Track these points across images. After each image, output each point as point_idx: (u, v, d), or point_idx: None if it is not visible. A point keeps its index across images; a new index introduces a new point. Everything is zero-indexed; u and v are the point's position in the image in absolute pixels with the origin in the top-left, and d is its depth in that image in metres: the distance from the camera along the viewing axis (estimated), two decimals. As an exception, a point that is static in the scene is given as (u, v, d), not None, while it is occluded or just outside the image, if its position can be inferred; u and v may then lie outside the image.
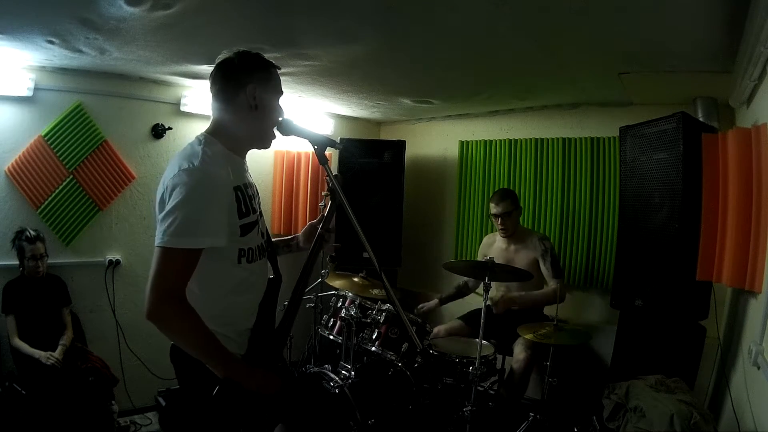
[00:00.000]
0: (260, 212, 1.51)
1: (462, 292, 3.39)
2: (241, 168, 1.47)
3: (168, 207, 1.25)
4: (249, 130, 1.45)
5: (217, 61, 1.47)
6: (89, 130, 3.10)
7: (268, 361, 1.45)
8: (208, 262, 1.29)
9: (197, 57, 2.74)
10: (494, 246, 3.26)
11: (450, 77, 3.05)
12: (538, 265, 3.05)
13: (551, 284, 3.02)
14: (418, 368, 2.64)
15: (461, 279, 3.41)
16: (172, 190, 1.25)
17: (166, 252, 1.23)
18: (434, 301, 3.31)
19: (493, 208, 3.10)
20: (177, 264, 1.24)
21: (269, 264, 1.55)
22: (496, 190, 3.27)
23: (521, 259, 3.08)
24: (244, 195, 1.41)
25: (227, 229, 1.32)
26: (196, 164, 1.28)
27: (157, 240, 1.24)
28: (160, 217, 1.27)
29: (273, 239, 1.69)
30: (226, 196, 1.33)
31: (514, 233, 3.14)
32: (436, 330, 3.11)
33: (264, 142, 1.50)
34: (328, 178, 1.52)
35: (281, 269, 1.57)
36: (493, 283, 2.67)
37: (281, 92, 1.50)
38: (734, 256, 2.11)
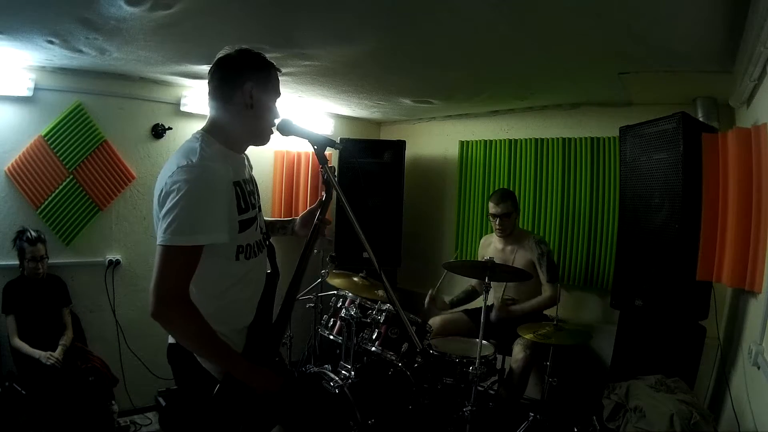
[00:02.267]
0: (259, 207, 1.51)
1: (471, 296, 3.39)
2: (240, 164, 1.47)
3: (168, 205, 1.24)
4: (244, 129, 1.45)
5: (218, 56, 1.45)
6: (89, 130, 3.10)
7: (266, 359, 1.45)
8: (205, 259, 1.28)
9: (197, 57, 2.74)
10: (491, 247, 3.26)
11: (450, 77, 3.05)
12: (534, 267, 3.06)
13: (546, 288, 3.03)
14: (418, 368, 2.64)
15: (468, 282, 3.41)
16: (171, 188, 1.24)
17: (168, 250, 1.22)
18: (446, 302, 3.30)
19: (493, 208, 3.10)
20: (179, 262, 1.23)
21: (267, 259, 1.55)
22: (496, 189, 3.26)
23: (518, 260, 3.08)
24: (243, 191, 1.40)
25: (228, 225, 1.32)
26: (194, 161, 1.27)
27: (159, 239, 1.24)
28: (161, 215, 1.26)
29: (269, 219, 1.68)
30: (226, 192, 1.33)
31: (510, 234, 3.14)
32: (431, 320, 3.11)
33: (260, 141, 1.49)
34: (322, 170, 1.51)
35: (278, 265, 1.57)
36: (492, 284, 2.67)
37: (279, 93, 1.49)
38: (734, 256, 2.11)
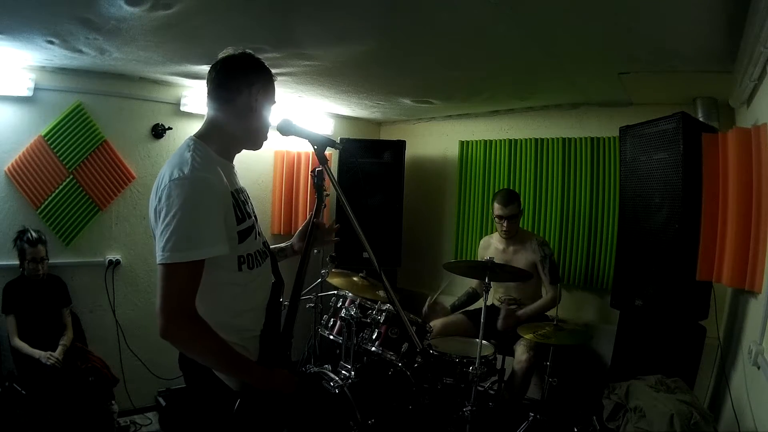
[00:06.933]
0: (255, 216, 1.48)
1: (472, 298, 3.37)
2: (232, 173, 1.44)
3: (164, 222, 1.20)
4: (244, 131, 1.42)
5: (221, 57, 1.43)
6: (89, 130, 3.10)
7: (280, 365, 1.43)
8: (208, 272, 1.25)
9: (197, 57, 2.74)
10: (491, 248, 3.25)
11: (450, 77, 3.05)
12: (535, 267, 3.05)
13: (548, 290, 3.04)
14: (418, 368, 2.64)
15: (469, 284, 3.41)
16: (164, 202, 1.21)
17: (169, 268, 1.19)
18: (446, 308, 3.28)
19: (500, 210, 3.07)
20: (182, 279, 1.20)
21: (270, 268, 1.53)
22: (500, 190, 3.23)
23: (519, 260, 3.08)
24: (238, 200, 1.37)
25: (226, 236, 1.28)
26: (186, 172, 1.23)
27: (158, 257, 1.20)
28: (158, 232, 1.23)
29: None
30: (222, 202, 1.29)
31: (515, 235, 3.14)
32: (432, 323, 3.10)
33: (257, 144, 1.47)
34: (312, 173, 1.49)
35: (282, 272, 1.56)
36: (493, 284, 2.67)
37: (275, 101, 1.48)
38: (734, 256, 2.11)
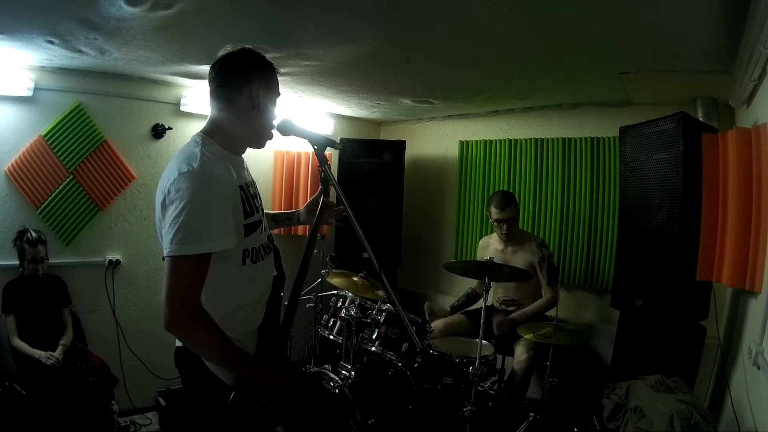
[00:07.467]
0: (262, 210, 1.50)
1: (472, 299, 3.37)
2: (241, 167, 1.45)
3: (172, 215, 1.21)
4: (247, 129, 1.43)
5: (220, 55, 1.42)
6: (89, 130, 3.10)
7: (277, 360, 1.44)
8: (212, 265, 1.26)
9: (197, 57, 2.74)
10: (490, 248, 3.25)
11: (450, 77, 3.05)
12: (534, 268, 3.05)
13: (546, 291, 3.03)
14: (418, 368, 2.64)
15: (468, 285, 3.41)
16: (174, 196, 1.21)
17: (176, 261, 1.20)
18: (446, 310, 3.29)
19: (498, 214, 3.05)
20: (188, 272, 1.21)
21: (273, 262, 1.53)
22: (496, 193, 3.19)
23: (518, 261, 3.07)
24: (247, 194, 1.39)
25: (234, 230, 1.29)
26: (195, 167, 1.24)
27: (165, 250, 1.21)
28: (165, 224, 1.23)
29: (272, 212, 1.68)
30: (230, 197, 1.30)
31: (515, 236, 3.13)
32: (434, 324, 3.11)
33: (260, 142, 1.48)
34: (320, 168, 1.50)
35: (284, 267, 1.56)
36: (492, 284, 2.67)
37: (279, 93, 1.48)
38: (734, 256, 2.11)
